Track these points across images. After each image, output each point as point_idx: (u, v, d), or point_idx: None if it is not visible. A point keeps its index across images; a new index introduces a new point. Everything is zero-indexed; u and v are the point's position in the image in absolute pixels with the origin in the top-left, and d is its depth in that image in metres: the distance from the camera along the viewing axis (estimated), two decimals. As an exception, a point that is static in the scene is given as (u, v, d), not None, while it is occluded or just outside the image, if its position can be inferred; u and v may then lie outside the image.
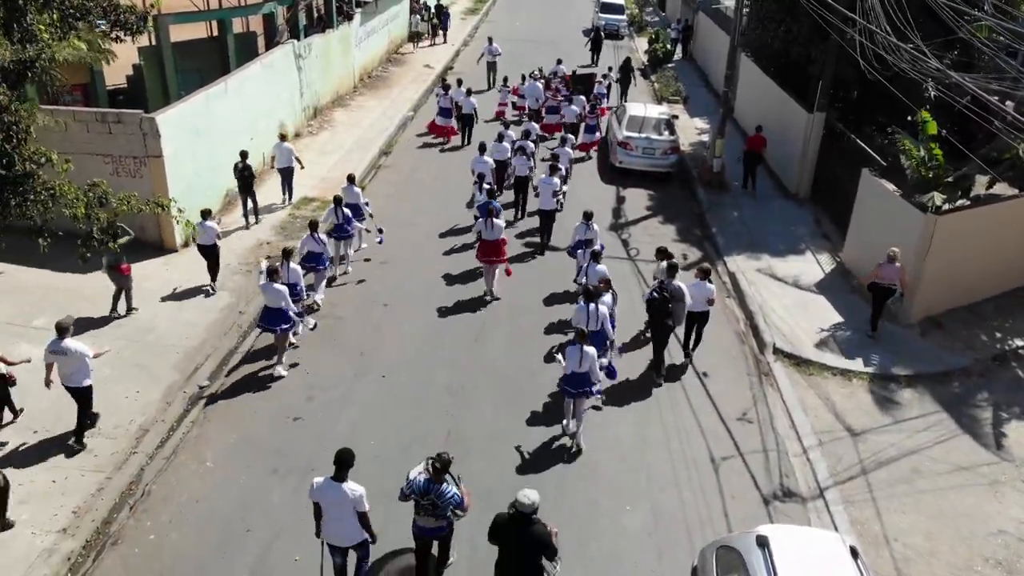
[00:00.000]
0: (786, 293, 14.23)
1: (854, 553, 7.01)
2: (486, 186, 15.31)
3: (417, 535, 7.60)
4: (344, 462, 7.10)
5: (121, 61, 18.58)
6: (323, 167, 18.76)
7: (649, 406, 10.99)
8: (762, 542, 6.85)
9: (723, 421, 10.70)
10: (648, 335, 12.20)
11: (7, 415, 9.96)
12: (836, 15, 15.43)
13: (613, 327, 11.24)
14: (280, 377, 11.08)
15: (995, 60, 13.67)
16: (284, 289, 10.86)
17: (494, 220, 13.18)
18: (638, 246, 15.87)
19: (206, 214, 13.23)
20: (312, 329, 12.10)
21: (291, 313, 10.97)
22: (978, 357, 12.61)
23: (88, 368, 9.44)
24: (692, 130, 23.77)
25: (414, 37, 31.75)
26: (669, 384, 11.51)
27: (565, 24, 39.28)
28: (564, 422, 10.31)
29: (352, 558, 7.57)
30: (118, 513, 8.79)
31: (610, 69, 27.12)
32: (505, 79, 24.66)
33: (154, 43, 18.03)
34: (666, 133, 19.65)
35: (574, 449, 10.01)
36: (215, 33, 20.27)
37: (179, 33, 19.49)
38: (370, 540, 7.42)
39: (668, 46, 32.74)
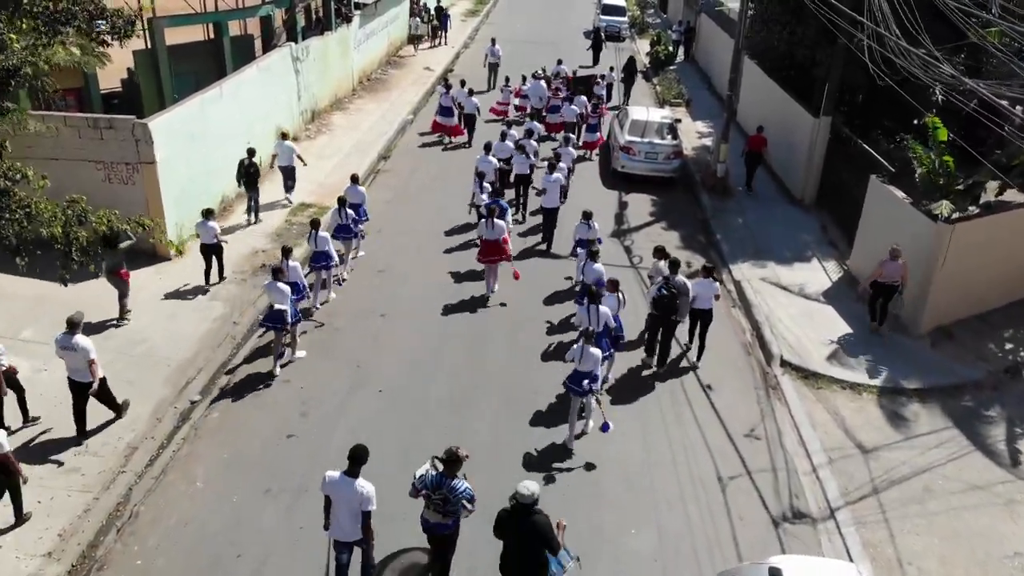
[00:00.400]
0: (792, 302, 13.92)
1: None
2: (486, 185, 15.19)
3: (424, 529, 7.53)
4: (358, 458, 7.10)
5: (116, 65, 18.35)
6: (320, 172, 18.45)
7: (654, 422, 10.67)
8: (775, 574, 6.55)
9: (730, 438, 10.39)
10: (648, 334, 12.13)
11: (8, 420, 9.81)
12: (843, 18, 15.16)
13: (621, 331, 11.10)
14: (299, 358, 11.42)
15: (1008, 65, 13.38)
16: (288, 288, 10.94)
17: (495, 220, 13.07)
18: (641, 253, 15.56)
19: (208, 213, 13.11)
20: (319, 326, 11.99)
21: (298, 310, 11.23)
22: (990, 369, 12.30)
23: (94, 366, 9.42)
24: (695, 133, 23.48)
25: (414, 39, 31.43)
26: (675, 398, 11.20)
27: (566, 26, 38.98)
28: (566, 438, 10.10)
29: (357, 554, 7.49)
30: (104, 536, 8.49)
31: (611, 69, 26.90)
32: (507, 79, 24.48)
33: (149, 46, 17.77)
34: (669, 137, 19.35)
35: (572, 444, 10.07)
36: (212, 36, 19.99)
37: (175, 36, 19.19)
38: (365, 542, 7.31)
39: (670, 48, 32.45)
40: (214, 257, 13.24)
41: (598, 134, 21.41)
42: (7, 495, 8.39)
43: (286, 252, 11.67)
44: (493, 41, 28.12)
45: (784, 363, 12.14)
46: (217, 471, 9.37)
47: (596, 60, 31.65)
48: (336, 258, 12.91)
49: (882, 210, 14.03)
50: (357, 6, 25.79)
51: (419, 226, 16.28)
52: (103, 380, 9.51)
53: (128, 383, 10.73)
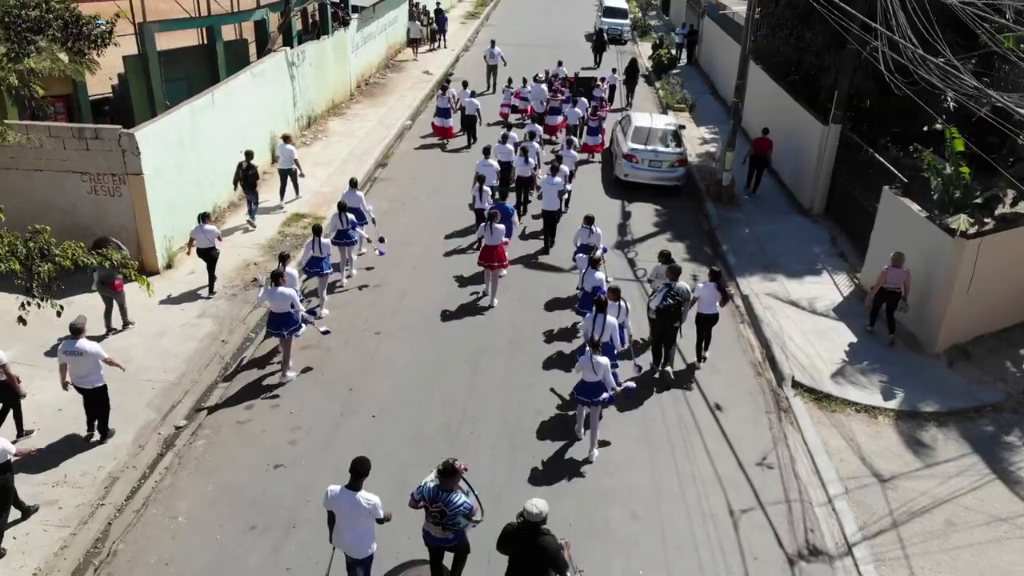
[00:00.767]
0: (803, 319, 13.42)
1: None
2: (487, 188, 14.95)
3: (426, 542, 7.37)
4: (359, 471, 6.93)
5: (107, 70, 17.88)
6: (316, 181, 17.97)
7: (662, 449, 10.16)
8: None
9: (741, 467, 9.89)
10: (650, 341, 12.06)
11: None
12: (855, 23, 14.68)
13: (625, 340, 10.88)
14: (288, 381, 11.03)
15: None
16: (290, 291, 10.72)
17: (494, 225, 12.97)
18: (646, 266, 15.03)
19: (204, 217, 12.89)
20: (324, 333, 11.59)
21: (299, 316, 10.83)
22: (1010, 391, 11.81)
23: (101, 369, 9.40)
24: (699, 140, 22.98)
25: (413, 43, 30.91)
26: (683, 422, 10.69)
27: (567, 28, 38.55)
28: (577, 426, 10.20)
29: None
30: (81, 576, 8.01)
31: (613, 71, 26.49)
32: (509, 81, 24.08)
33: (140, 51, 17.28)
34: (673, 145, 18.86)
35: (588, 458, 9.85)
36: (205, 41, 19.52)
37: (167, 41, 18.73)
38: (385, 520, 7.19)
39: (673, 51, 31.97)
40: (212, 262, 13.07)
41: (600, 137, 21.02)
42: None
43: (283, 258, 11.41)
44: (493, 43, 27.74)
45: (796, 384, 11.64)
46: (201, 505, 8.88)
47: (598, 62, 31.32)
48: (330, 267, 12.81)
49: (895, 223, 13.54)
50: (355, 9, 25.33)
51: (417, 236, 15.81)
52: (104, 388, 9.49)
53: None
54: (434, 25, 32.30)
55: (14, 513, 8.42)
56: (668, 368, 11.69)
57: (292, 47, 20.19)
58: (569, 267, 14.26)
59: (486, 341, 12.29)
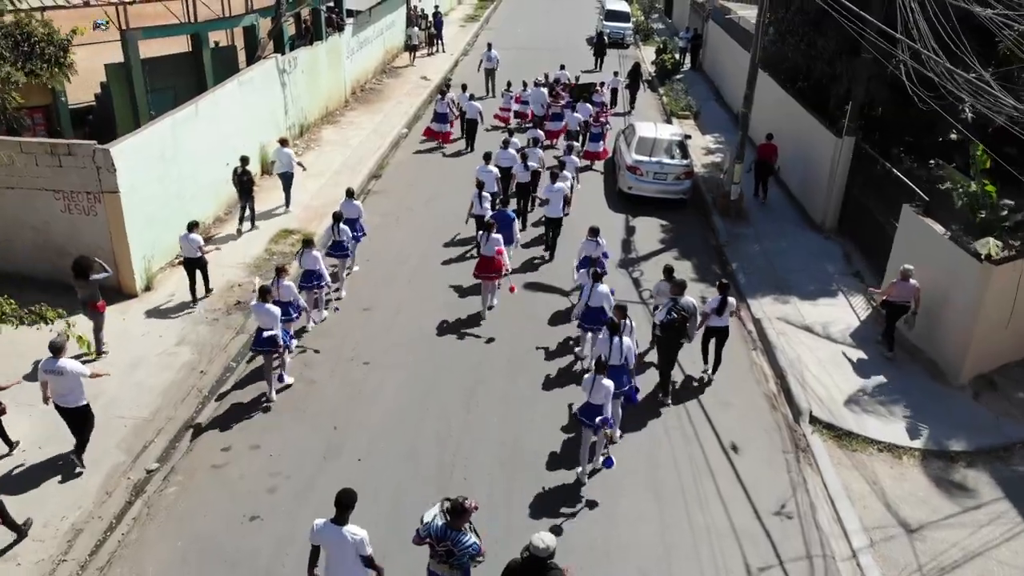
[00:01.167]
0: (819, 345, 12.68)
1: None
2: (486, 194, 14.50)
3: None
4: (344, 503, 6.60)
5: (91, 77, 17.19)
6: (306, 194, 17.24)
7: (672, 497, 9.38)
8: None
9: (758, 517, 9.13)
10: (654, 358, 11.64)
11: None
12: (871, 29, 13.96)
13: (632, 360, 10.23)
14: (288, 386, 10.86)
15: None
16: (277, 311, 10.39)
17: (490, 235, 12.55)
18: (651, 285, 14.26)
19: (192, 226, 12.44)
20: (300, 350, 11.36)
21: (285, 335, 10.58)
22: (1041, 426, 11.07)
23: (83, 388, 9.02)
24: (704, 149, 22.23)
25: (412, 49, 30.11)
26: (695, 464, 9.91)
27: (568, 31, 37.83)
28: (579, 468, 9.57)
29: None
30: (33, 648, 7.28)
31: (615, 74, 25.83)
32: (508, 85, 23.42)
33: (123, 60, 16.56)
34: (679, 157, 18.11)
35: (585, 479, 9.46)
36: (193, 48, 18.79)
37: (153, 48, 18.01)
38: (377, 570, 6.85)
39: (676, 56, 31.25)
40: (198, 272, 12.68)
41: (602, 144, 20.37)
42: None
43: (279, 271, 11.07)
44: (490, 46, 27.09)
45: (813, 419, 10.90)
46: (170, 563, 8.12)
47: (599, 66, 30.67)
48: (328, 278, 12.39)
49: (916, 243, 12.79)
50: (350, 13, 24.58)
51: (411, 253, 15.08)
52: (87, 407, 9.12)
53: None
54: (432, 29, 31.53)
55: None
56: (668, 400, 11.17)
57: (283, 53, 19.47)
58: (572, 288, 13.53)
59: (482, 370, 11.55)
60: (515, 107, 23.08)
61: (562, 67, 25.30)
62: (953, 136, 18.23)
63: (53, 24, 14.40)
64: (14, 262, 12.74)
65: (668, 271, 11.92)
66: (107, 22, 16.09)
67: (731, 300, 11.26)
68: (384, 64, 28.69)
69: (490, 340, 12.34)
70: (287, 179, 16.24)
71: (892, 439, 10.59)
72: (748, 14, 26.45)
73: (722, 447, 10.27)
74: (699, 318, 11.21)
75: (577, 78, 25.81)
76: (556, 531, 8.55)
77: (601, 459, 9.48)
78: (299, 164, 16.43)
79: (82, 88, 17.66)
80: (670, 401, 11.13)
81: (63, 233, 12.63)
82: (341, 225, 13.06)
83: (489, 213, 14.07)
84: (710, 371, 11.74)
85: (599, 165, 20.52)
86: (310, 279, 12.16)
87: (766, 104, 19.69)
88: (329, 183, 18.02)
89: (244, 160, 14.91)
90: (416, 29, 30.40)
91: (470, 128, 20.95)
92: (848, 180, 16.52)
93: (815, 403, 11.17)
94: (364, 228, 14.19)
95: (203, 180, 14.97)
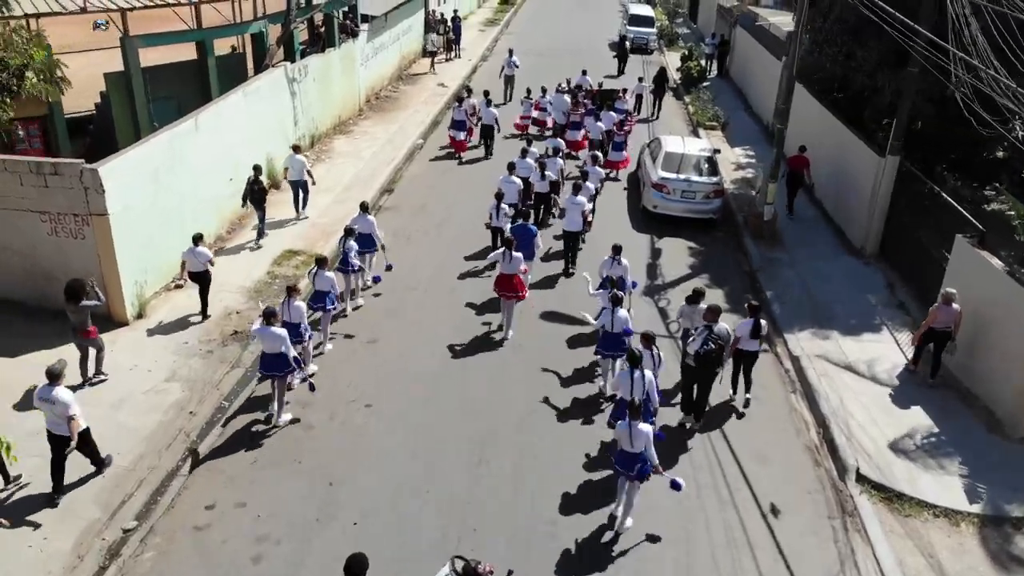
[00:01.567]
0: (863, 388, 11.61)
1: None
2: (505, 206, 13.90)
3: None
4: (354, 572, 6.25)
5: (96, 82, 16.42)
6: (315, 210, 16.39)
7: (705, 573, 8.39)
8: None
9: (803, 600, 8.12)
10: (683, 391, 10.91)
11: None
12: (921, 41, 12.88)
13: (656, 396, 9.44)
14: (284, 425, 10.17)
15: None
16: (283, 332, 9.89)
17: (512, 252, 12.04)
18: (680, 319, 13.22)
19: (197, 239, 11.83)
20: (309, 382, 10.50)
21: (290, 357, 9.93)
22: (1114, 488, 9.94)
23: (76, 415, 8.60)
24: (735, 164, 21.12)
25: (431, 55, 29.18)
26: (730, 534, 8.86)
27: (590, 35, 36.80)
28: (613, 506, 8.97)
29: None
30: None
31: (640, 80, 24.89)
32: (528, 91, 22.50)
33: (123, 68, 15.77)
34: (708, 173, 17.06)
35: (614, 532, 8.70)
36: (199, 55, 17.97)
37: (160, 55, 17.21)
38: None
39: (702, 63, 30.13)
40: (199, 291, 12.16)
41: (624, 153, 19.59)
42: None
43: (290, 291, 10.60)
44: (511, 52, 26.19)
45: (861, 477, 9.83)
46: (139, 645, 7.26)
47: (622, 68, 29.80)
48: (335, 302, 11.76)
49: (971, 278, 11.66)
50: (364, 19, 23.73)
51: (422, 278, 14.16)
52: (86, 430, 8.80)
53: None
54: (451, 34, 30.61)
55: None
56: (696, 425, 10.65)
57: (294, 61, 18.63)
58: (595, 316, 12.56)
59: (496, 416, 10.57)
60: (535, 114, 22.21)
61: (584, 73, 24.33)
62: (1000, 154, 17.11)
63: (43, 36, 13.71)
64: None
65: (699, 294, 11.29)
66: (107, 22, 15.34)
67: (763, 323, 10.72)
68: (400, 70, 27.81)
69: (504, 380, 11.38)
70: (300, 187, 15.77)
71: (949, 503, 9.50)
72: (779, 20, 25.31)
73: (761, 511, 9.22)
74: (731, 346, 10.63)
75: (600, 84, 24.86)
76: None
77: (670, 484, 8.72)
78: (309, 173, 15.83)
79: (84, 95, 16.95)
80: (694, 422, 10.63)
81: (50, 257, 11.84)
82: (350, 241, 12.57)
83: (508, 226, 13.56)
84: (742, 397, 11.16)
85: (621, 174, 19.69)
86: (319, 300, 11.55)
87: (799, 116, 18.57)
88: (338, 199, 17.16)
89: (257, 169, 14.45)
90: (435, 35, 29.48)
91: (486, 134, 20.39)
92: (891, 202, 15.39)
93: (862, 458, 10.11)
94: (378, 242, 13.46)
95: (204, 196, 14.16)
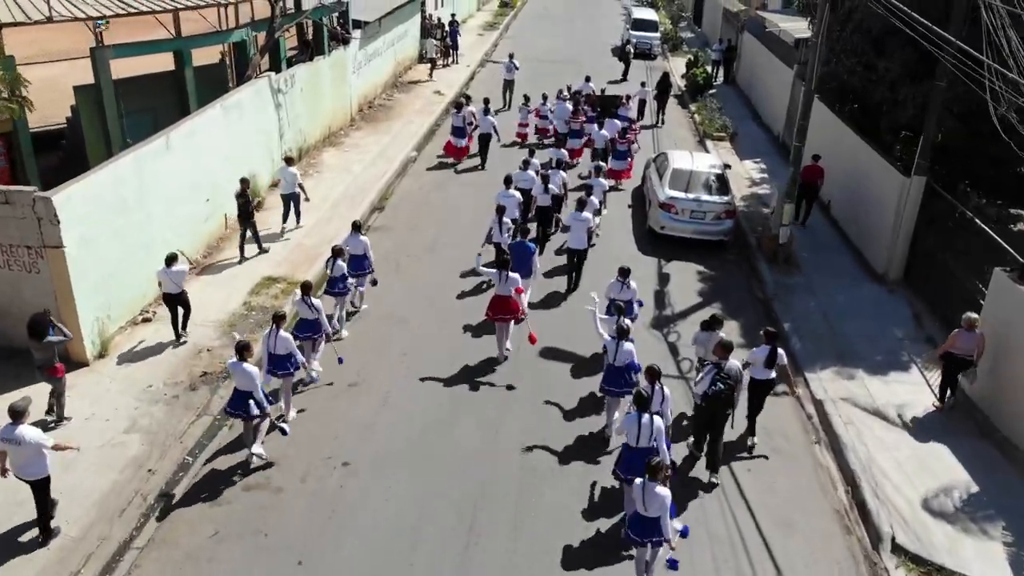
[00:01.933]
0: (894, 439, 10.56)
1: None
2: (506, 220, 13.15)
3: None
4: None
5: (63, 95, 15.43)
6: (300, 230, 15.36)
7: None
8: None
9: None
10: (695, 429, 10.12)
11: None
12: (951, 51, 11.89)
13: (664, 441, 8.52)
14: (258, 461, 9.37)
15: None
16: (255, 371, 9.17)
17: (507, 272, 11.34)
18: (689, 353, 12.16)
19: (171, 259, 11.04)
20: (280, 427, 9.55)
21: (258, 399, 9.12)
22: None
23: (45, 458, 7.99)
24: (746, 178, 20.08)
25: (429, 62, 28.15)
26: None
27: (591, 40, 35.76)
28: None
29: None
30: None
31: (643, 84, 23.92)
32: (526, 98, 21.51)
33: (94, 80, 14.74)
34: (719, 192, 16.01)
35: None
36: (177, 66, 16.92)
37: (131, 67, 16.14)
38: None
39: (708, 70, 29.08)
40: (180, 308, 11.56)
41: (627, 162, 18.87)
42: None
43: (277, 319, 9.84)
44: (511, 56, 25.21)
45: (897, 548, 8.78)
46: None
47: (626, 73, 28.96)
48: (327, 325, 10.89)
49: (1011, 315, 10.63)
50: (357, 24, 22.70)
51: (410, 311, 13.09)
52: (47, 479, 8.04)
53: None
54: (448, 40, 29.58)
55: None
56: (714, 478, 9.69)
57: (279, 71, 17.60)
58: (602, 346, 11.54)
59: (489, 475, 9.50)
60: (536, 122, 21.26)
61: (587, 79, 23.30)
62: (1024, 170, 16.11)
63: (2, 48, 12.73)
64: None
65: (716, 321, 10.64)
66: (107, 22, 14.45)
67: (780, 352, 10.08)
68: (395, 77, 26.78)
69: (500, 425, 10.35)
70: (292, 200, 15.03)
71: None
72: (789, 27, 24.27)
73: (786, 589, 8.19)
74: (744, 383, 9.82)
75: (603, 90, 23.87)
76: None
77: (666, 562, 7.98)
78: (301, 187, 15.06)
79: (59, 106, 15.93)
80: (715, 478, 9.66)
81: (3, 292, 10.81)
82: (338, 261, 11.79)
83: (507, 241, 12.85)
84: (751, 434, 10.44)
85: (624, 184, 18.90)
86: (306, 329, 10.71)
87: (812, 129, 17.47)
88: (325, 217, 16.12)
89: (244, 181, 13.77)
90: (432, 40, 28.45)
91: (483, 142, 19.53)
92: (915, 224, 14.35)
93: (898, 524, 9.05)
94: (371, 265, 12.66)
95: (177, 221, 13.12)
